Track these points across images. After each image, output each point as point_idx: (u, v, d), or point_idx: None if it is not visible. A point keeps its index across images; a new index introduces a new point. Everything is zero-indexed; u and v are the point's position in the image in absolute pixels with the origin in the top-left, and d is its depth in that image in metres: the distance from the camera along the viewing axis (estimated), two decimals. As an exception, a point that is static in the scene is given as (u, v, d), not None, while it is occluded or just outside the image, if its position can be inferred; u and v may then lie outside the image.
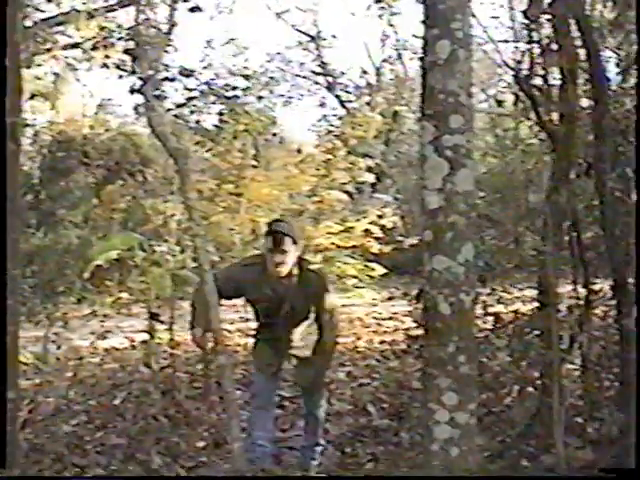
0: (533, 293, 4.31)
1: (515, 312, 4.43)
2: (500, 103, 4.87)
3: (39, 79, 14.69)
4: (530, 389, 4.45)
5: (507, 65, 4.64)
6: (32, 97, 14.61)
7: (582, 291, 3.88)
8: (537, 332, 3.76)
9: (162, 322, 7.09)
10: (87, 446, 5.32)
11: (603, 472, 2.80)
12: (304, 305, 4.35)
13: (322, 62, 26.73)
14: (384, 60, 25.78)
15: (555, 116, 4.08)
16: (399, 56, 24.54)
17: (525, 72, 4.21)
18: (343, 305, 11.95)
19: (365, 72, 26.34)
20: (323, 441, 4.86)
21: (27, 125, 13.33)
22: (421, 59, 1.92)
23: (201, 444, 5.17)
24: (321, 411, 4.80)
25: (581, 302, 3.87)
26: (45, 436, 5.19)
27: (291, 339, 4.51)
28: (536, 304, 4.01)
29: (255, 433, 4.41)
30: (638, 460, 2.69)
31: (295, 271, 4.25)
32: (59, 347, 6.90)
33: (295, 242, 4.19)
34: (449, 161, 1.83)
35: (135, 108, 18.25)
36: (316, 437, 4.78)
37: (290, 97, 26.03)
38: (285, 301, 4.29)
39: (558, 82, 4.07)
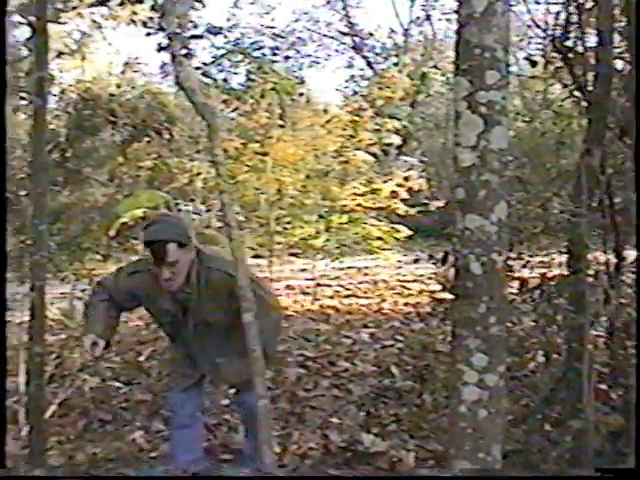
0: (560, 259, 4.27)
1: (542, 276, 4.37)
2: (533, 64, 4.76)
3: (66, 37, 14.67)
4: (555, 355, 4.41)
5: (539, 26, 4.54)
6: (59, 55, 14.58)
7: (611, 257, 3.83)
8: (565, 297, 3.72)
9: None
10: (112, 402, 5.39)
11: (602, 472, 2.77)
12: (216, 311, 3.46)
13: (349, 22, 26.48)
14: (412, 21, 25.49)
15: (590, 78, 3.99)
16: (428, 17, 24.27)
17: (559, 32, 4.12)
18: (367, 267, 12.00)
19: (393, 32, 26.07)
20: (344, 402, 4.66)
21: (53, 79, 13.30)
22: (456, 12, 1.86)
23: (226, 402, 5.20)
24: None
25: (610, 269, 3.83)
26: (71, 391, 5.24)
27: (209, 350, 3.68)
28: (563, 269, 3.97)
29: (179, 458, 3.84)
30: (638, 460, 2.67)
31: (193, 275, 3.36)
32: (83, 300, 6.93)
33: (183, 244, 3.25)
34: (483, 118, 1.78)
35: (162, 66, 18.24)
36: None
37: (317, 57, 25.86)
38: (189, 313, 3.49)
39: (593, 43, 3.98)
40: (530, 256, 4.67)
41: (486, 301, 1.72)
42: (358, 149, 11.77)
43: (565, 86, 4.61)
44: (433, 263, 5.79)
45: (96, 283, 3.73)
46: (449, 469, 1.84)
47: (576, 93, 4.15)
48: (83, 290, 7.25)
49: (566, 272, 3.82)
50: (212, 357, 3.67)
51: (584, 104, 4.02)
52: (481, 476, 1.89)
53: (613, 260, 3.83)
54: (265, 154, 10.60)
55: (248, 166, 10.54)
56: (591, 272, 3.61)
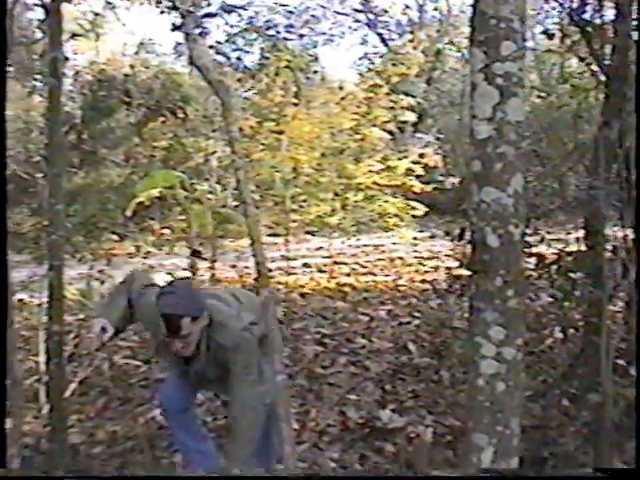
0: (577, 235, 4.23)
1: (559, 252, 4.34)
2: (550, 36, 4.70)
3: (80, 18, 14.67)
4: (572, 331, 4.40)
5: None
6: (73, 37, 14.58)
7: (630, 232, 3.79)
8: (583, 272, 3.69)
9: (204, 259, 7.15)
10: (131, 380, 5.43)
11: (601, 472, 2.77)
12: (217, 372, 3.37)
13: (364, -1, 26.26)
14: (427, -4, 25.26)
15: (607, 50, 3.95)
16: (442, -8, 24.04)
17: (577, 5, 4.07)
18: (383, 245, 11.99)
19: (408, 9, 25.84)
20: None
21: (67, 60, 13.32)
22: (472, -17, 1.83)
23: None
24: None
25: (628, 243, 3.80)
26: (90, 370, 5.29)
27: (206, 389, 3.87)
28: (580, 245, 3.94)
29: (185, 442, 3.69)
30: (638, 460, 2.65)
31: (203, 343, 3.28)
32: (102, 283, 6.98)
33: (196, 317, 3.16)
34: (499, 89, 1.76)
35: (176, 46, 18.19)
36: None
37: (331, 35, 25.67)
38: (191, 367, 3.40)
39: (611, 16, 3.93)
40: (547, 232, 4.65)
41: (503, 274, 1.71)
42: (373, 126, 11.73)
43: (582, 60, 4.56)
44: (450, 240, 5.78)
45: (131, 274, 3.68)
46: (468, 443, 1.85)
47: (593, 66, 4.11)
48: (100, 271, 7.29)
49: (584, 248, 3.80)
50: (207, 385, 3.73)
51: (602, 77, 3.98)
52: (481, 476, 1.90)
53: (631, 235, 3.80)
54: (280, 132, 10.59)
55: (263, 145, 10.54)
56: (609, 247, 3.59)
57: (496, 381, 1.75)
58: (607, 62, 3.88)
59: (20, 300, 6.93)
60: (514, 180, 1.72)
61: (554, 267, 4.26)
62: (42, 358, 4.43)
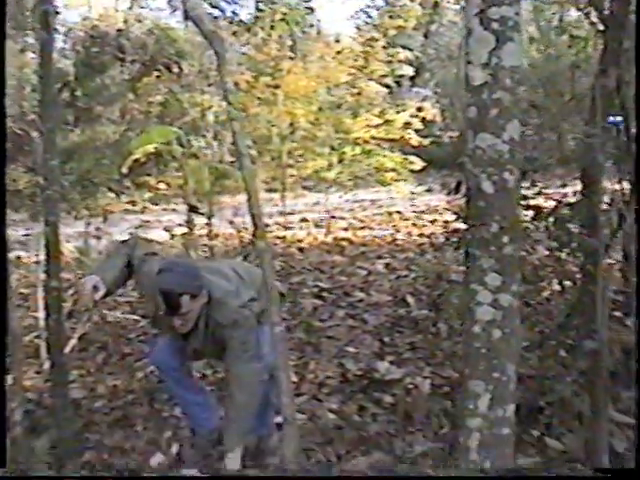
0: (574, 189, 4.22)
1: (556, 203, 4.33)
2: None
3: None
4: (569, 283, 4.40)
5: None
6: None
7: (626, 184, 3.78)
8: (579, 221, 3.69)
9: (201, 214, 7.12)
10: (130, 335, 5.46)
11: (601, 472, 2.79)
12: (214, 348, 3.42)
13: (360, -51, 25.86)
14: (424, -54, 24.87)
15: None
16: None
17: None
18: (380, 199, 11.98)
19: (405, -41, 25.47)
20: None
21: (58, 13, 13.13)
22: None
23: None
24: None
25: (625, 195, 3.79)
26: (89, 326, 5.31)
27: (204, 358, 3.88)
28: (578, 198, 3.93)
29: (185, 397, 3.70)
30: (638, 460, 2.67)
31: (202, 320, 3.31)
32: (99, 239, 6.97)
33: (196, 295, 3.17)
34: (495, 34, 1.74)
35: (170, 1, 17.97)
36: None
37: (327, -13, 25.32)
38: (189, 341, 3.42)
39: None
40: (544, 187, 4.62)
41: (498, 220, 1.71)
42: (370, 80, 11.63)
43: (580, 10, 4.51)
44: (447, 193, 5.76)
45: (134, 238, 3.73)
46: (465, 390, 1.86)
47: (592, 16, 4.06)
48: (97, 228, 7.28)
49: (581, 196, 3.79)
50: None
51: (600, 27, 3.93)
52: (482, 476, 1.91)
53: (628, 185, 3.78)
54: (276, 87, 10.49)
55: (259, 99, 10.45)
56: (606, 198, 3.58)
57: (492, 328, 1.76)
58: (606, 12, 3.82)
59: (18, 258, 6.94)
60: (510, 126, 1.71)
61: (551, 219, 4.25)
62: (41, 314, 4.45)
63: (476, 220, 1.73)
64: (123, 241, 3.68)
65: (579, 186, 3.78)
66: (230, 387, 3.35)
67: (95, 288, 3.27)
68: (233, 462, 3.27)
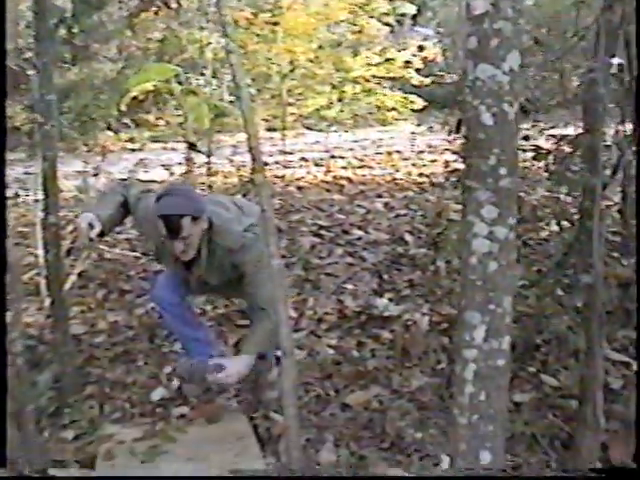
0: (576, 131, 4.18)
1: (557, 142, 4.31)
2: None
3: None
4: (567, 224, 4.41)
5: None
6: None
7: (628, 126, 3.75)
8: (579, 157, 3.67)
9: (200, 152, 7.09)
10: (130, 272, 5.48)
11: (601, 472, 2.81)
12: (218, 278, 3.44)
13: None
14: None
15: None
16: None
17: None
18: (380, 138, 11.92)
19: None
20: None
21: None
22: None
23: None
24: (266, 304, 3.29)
25: (626, 130, 3.75)
26: (88, 263, 5.33)
27: (208, 294, 3.83)
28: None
29: (178, 329, 3.71)
30: (638, 460, 2.68)
31: (204, 247, 3.31)
32: (97, 176, 6.94)
33: (197, 217, 3.17)
34: (496, -37, 1.71)
35: None
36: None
37: None
38: (193, 272, 3.45)
39: None
40: (546, 128, 4.59)
41: (497, 153, 1.70)
42: (371, 18, 11.46)
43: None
44: (448, 132, 5.73)
45: (126, 183, 3.75)
46: (460, 322, 1.87)
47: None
48: (95, 167, 7.25)
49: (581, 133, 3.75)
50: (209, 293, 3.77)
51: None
52: (483, 476, 1.93)
53: (630, 127, 3.75)
54: (276, 24, 10.34)
55: (258, 36, 10.31)
56: (608, 134, 3.55)
57: (488, 260, 1.76)
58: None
59: (17, 195, 6.93)
60: (510, 57, 1.68)
61: (551, 158, 4.23)
62: (40, 252, 4.46)
63: (474, 152, 1.72)
64: (118, 183, 3.69)
65: (581, 129, 3.75)
66: (255, 307, 3.38)
67: (90, 225, 3.25)
68: (240, 362, 3.28)
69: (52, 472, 2.91)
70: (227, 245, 3.29)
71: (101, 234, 3.32)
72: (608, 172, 3.81)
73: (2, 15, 2.73)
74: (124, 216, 3.52)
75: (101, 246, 5.75)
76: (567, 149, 4.01)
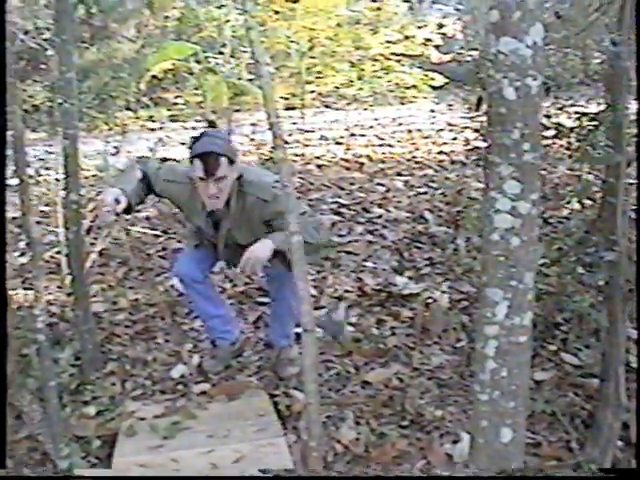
0: (599, 108, 4.13)
1: (579, 117, 4.25)
2: None
3: None
4: (589, 202, 4.37)
5: None
6: None
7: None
8: (602, 133, 3.62)
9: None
10: (150, 251, 5.50)
11: (603, 472, 2.78)
12: (247, 235, 3.34)
13: None
14: None
15: None
16: None
17: None
18: (400, 116, 11.85)
19: None
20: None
21: None
22: None
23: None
24: (287, 296, 3.49)
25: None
26: (109, 241, 5.35)
27: (234, 261, 3.52)
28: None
29: (200, 307, 3.71)
30: (638, 460, 2.66)
31: (233, 197, 3.28)
32: (117, 154, 6.94)
33: (233, 160, 3.18)
34: None
35: None
36: (285, 325, 3.72)
37: None
38: (220, 231, 3.45)
39: None
40: (567, 106, 4.53)
41: (520, 127, 1.68)
42: (392, -5, 11.39)
43: None
44: (468, 109, 5.67)
45: (140, 159, 3.77)
46: (482, 298, 1.86)
47: None
48: (116, 147, 7.26)
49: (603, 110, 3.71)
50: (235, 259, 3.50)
51: None
52: (482, 476, 1.92)
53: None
54: (295, 1, 10.29)
55: (277, 13, 10.26)
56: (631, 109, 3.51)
57: (511, 235, 1.75)
58: None
59: (38, 174, 6.96)
60: (533, 30, 1.66)
61: (573, 135, 4.19)
62: (61, 230, 4.49)
63: (497, 127, 1.70)
64: (136, 160, 3.66)
65: (603, 105, 3.70)
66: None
67: (116, 201, 3.22)
68: (261, 247, 3.15)
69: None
70: (259, 196, 3.26)
71: (127, 210, 3.31)
72: (631, 148, 3.77)
73: (2, 15, 2.72)
74: (146, 192, 3.50)
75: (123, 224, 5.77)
76: (589, 126, 3.96)
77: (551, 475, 2.88)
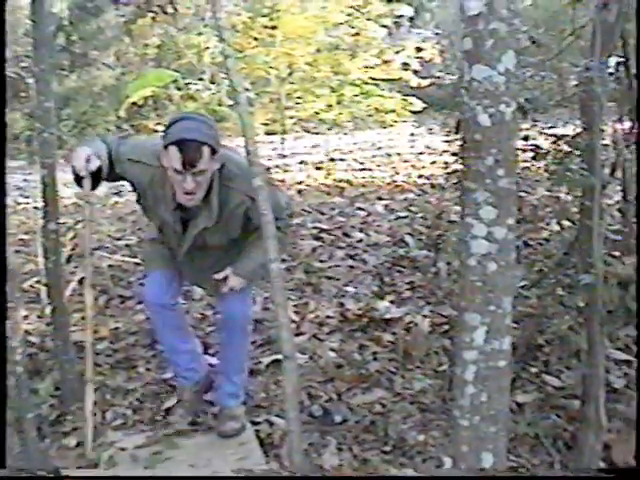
0: (575, 131, 4.19)
1: (555, 140, 4.30)
2: None
3: None
4: (568, 223, 4.40)
5: None
6: None
7: (627, 124, 3.74)
8: (578, 156, 3.67)
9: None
10: (131, 278, 5.47)
11: (603, 472, 2.80)
12: (222, 235, 3.05)
13: None
14: None
15: None
16: None
17: None
18: (380, 141, 11.92)
19: None
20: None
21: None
22: None
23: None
24: (245, 319, 3.24)
25: (625, 129, 3.75)
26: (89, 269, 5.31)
27: (197, 266, 3.24)
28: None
29: (170, 341, 3.33)
30: (638, 460, 2.68)
31: (214, 193, 2.88)
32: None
33: (216, 150, 2.76)
34: (491, -36, 1.70)
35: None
36: (235, 361, 3.34)
37: None
38: (189, 230, 3.04)
39: None
40: (544, 128, 4.59)
41: (494, 153, 1.69)
42: (368, 20, 11.46)
43: None
44: (446, 133, 5.72)
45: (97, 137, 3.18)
46: (460, 323, 1.87)
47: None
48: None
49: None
50: (199, 272, 3.28)
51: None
52: (482, 476, 1.92)
53: (629, 125, 3.74)
54: (274, 28, 10.35)
55: (256, 39, 10.32)
56: (606, 132, 3.55)
57: (487, 261, 1.76)
58: None
59: (17, 203, 6.94)
60: (505, 57, 1.68)
61: (550, 157, 4.23)
62: (41, 259, 4.46)
63: (472, 153, 1.72)
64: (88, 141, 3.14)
65: (579, 128, 3.75)
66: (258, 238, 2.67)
67: (88, 161, 2.83)
68: (234, 281, 3.00)
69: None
70: (247, 193, 2.80)
71: (96, 179, 2.92)
72: (607, 171, 3.82)
73: (2, 24, 2.73)
74: (111, 168, 2.98)
75: (101, 253, 5.75)
76: (566, 148, 4.00)
77: (549, 475, 2.88)
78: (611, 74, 3.44)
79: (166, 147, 2.72)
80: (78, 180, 2.93)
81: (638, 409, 2.83)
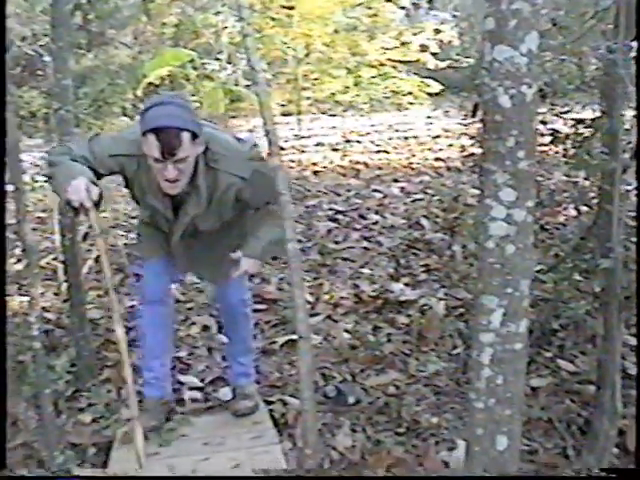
0: (595, 114, 4.14)
1: (575, 124, 4.26)
2: None
3: None
4: (585, 208, 4.37)
5: None
6: None
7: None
8: (598, 139, 3.63)
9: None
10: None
11: (604, 472, 2.78)
12: (213, 219, 2.95)
13: None
14: None
15: None
16: None
17: None
18: (397, 123, 11.86)
19: None
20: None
21: None
22: None
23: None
24: (243, 304, 3.31)
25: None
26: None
27: (189, 252, 3.12)
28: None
29: (149, 340, 3.23)
30: (638, 460, 2.66)
31: (201, 177, 2.76)
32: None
33: (196, 134, 2.61)
34: (514, -57, 1.68)
35: None
36: (243, 343, 3.42)
37: None
38: (180, 216, 2.91)
39: None
40: (564, 112, 4.54)
41: (515, 135, 1.68)
42: (387, 1, 11.39)
43: None
44: (464, 116, 5.68)
45: (57, 150, 2.97)
46: (478, 306, 1.86)
47: None
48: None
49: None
50: (194, 259, 3.18)
51: None
52: (482, 476, 1.91)
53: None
54: (291, 8, 10.30)
55: (274, 20, 10.27)
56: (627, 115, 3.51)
57: (506, 243, 1.75)
58: None
59: (35, 181, 6.95)
60: (528, 38, 1.66)
61: (569, 141, 4.19)
62: (57, 237, 4.47)
63: (492, 134, 1.70)
64: (52, 152, 2.94)
65: (599, 112, 3.72)
66: (261, 217, 2.84)
67: (87, 190, 2.61)
68: (247, 264, 2.85)
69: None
70: (235, 173, 2.75)
71: (99, 196, 2.70)
72: (627, 155, 3.78)
73: (2, 15, 2.73)
74: (97, 176, 2.79)
75: (117, 231, 5.76)
76: (585, 132, 3.97)
77: (551, 475, 2.88)
78: (634, 57, 3.40)
79: (144, 134, 2.57)
80: (76, 210, 2.69)
81: (638, 409, 2.81)
